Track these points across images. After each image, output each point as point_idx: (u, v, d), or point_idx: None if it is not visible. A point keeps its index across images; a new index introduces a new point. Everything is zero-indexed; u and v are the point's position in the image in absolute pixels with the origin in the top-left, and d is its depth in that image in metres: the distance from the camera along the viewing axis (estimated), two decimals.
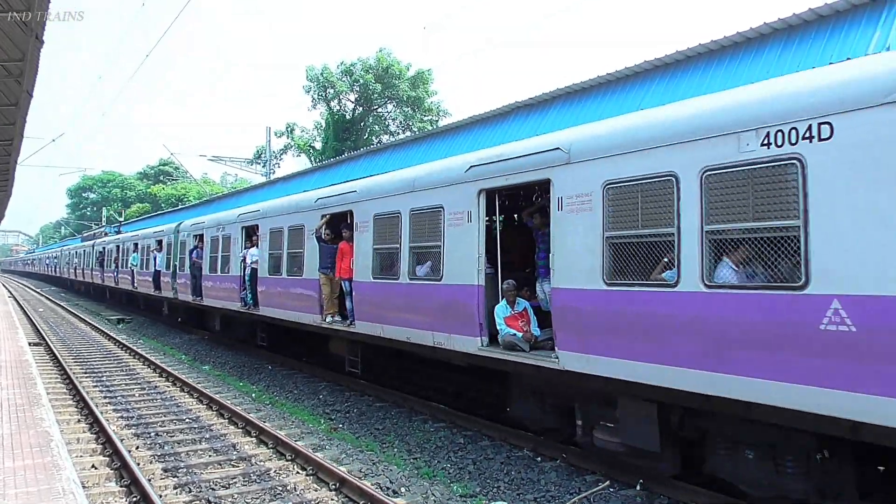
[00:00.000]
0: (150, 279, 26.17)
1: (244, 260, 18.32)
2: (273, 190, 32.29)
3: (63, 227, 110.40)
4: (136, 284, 29.71)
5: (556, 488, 7.79)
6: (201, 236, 20.66)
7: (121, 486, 7.68)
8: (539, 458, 8.86)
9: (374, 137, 50.51)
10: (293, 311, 14.46)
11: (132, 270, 29.99)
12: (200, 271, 20.14)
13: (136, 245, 30.22)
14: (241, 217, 18.15)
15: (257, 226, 16.68)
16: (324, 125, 51.27)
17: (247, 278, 17.08)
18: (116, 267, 33.78)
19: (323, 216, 13.14)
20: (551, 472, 8.29)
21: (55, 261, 65.65)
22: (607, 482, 7.67)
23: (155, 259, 25.57)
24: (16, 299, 40.76)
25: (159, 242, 25.68)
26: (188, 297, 21.54)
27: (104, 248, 38.72)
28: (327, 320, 12.88)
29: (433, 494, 7.57)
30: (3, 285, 58.10)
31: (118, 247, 34.25)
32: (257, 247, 16.68)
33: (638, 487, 7.46)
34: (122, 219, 57.83)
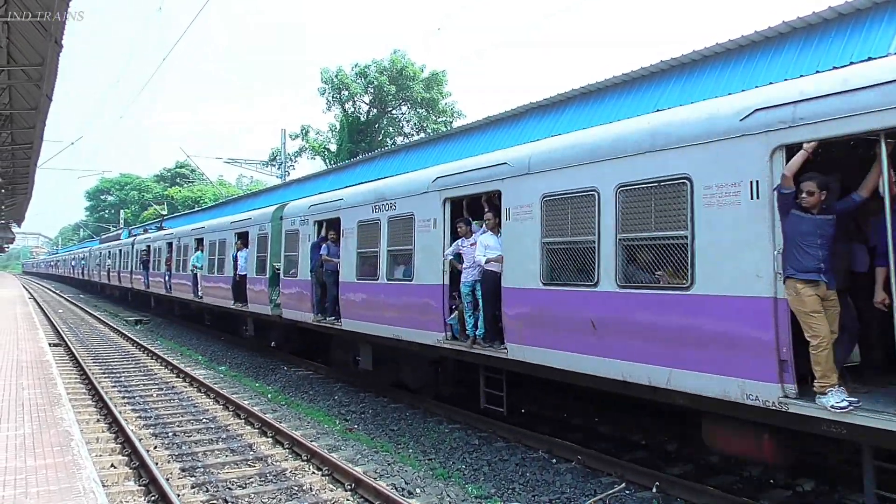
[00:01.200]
0: (228, 287, 19.76)
1: (235, 261, 18.42)
2: (288, 191, 32.47)
3: (82, 230, 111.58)
4: (200, 293, 22.95)
5: (572, 490, 7.76)
6: (329, 223, 14.08)
7: (139, 486, 7.75)
8: (554, 460, 8.84)
9: (388, 139, 50.67)
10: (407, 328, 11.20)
11: (195, 275, 23.28)
12: (335, 276, 13.44)
13: (199, 241, 23.53)
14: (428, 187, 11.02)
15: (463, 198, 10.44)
16: (338, 127, 51.48)
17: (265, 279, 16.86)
18: (168, 270, 27.01)
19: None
20: (566, 474, 8.26)
21: (82, 262, 57.86)
22: (623, 484, 7.63)
23: (235, 260, 19.11)
24: (36, 301, 41.23)
25: (241, 236, 19.45)
26: (301, 315, 15.08)
27: (149, 245, 31.11)
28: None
29: (448, 495, 7.57)
30: (23, 286, 58.84)
31: (171, 244, 27.13)
32: (336, 242, 13.62)
33: (654, 489, 7.42)
34: (163, 213, 51.40)
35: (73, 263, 59.34)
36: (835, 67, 6.46)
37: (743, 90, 6.90)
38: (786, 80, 6.80)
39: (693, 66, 13.57)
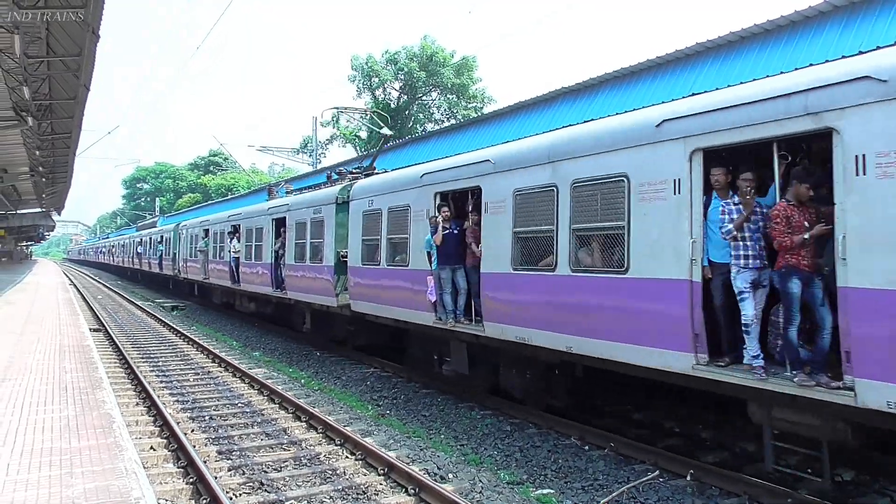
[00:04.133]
0: (324, 277, 15.59)
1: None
2: (319, 179, 32.62)
3: (119, 217, 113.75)
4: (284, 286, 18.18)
5: (605, 477, 7.74)
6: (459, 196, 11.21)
7: (178, 468, 7.93)
8: (587, 447, 8.81)
9: (418, 125, 50.61)
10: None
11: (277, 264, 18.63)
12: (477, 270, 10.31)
13: (280, 222, 18.69)
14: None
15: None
16: (368, 114, 51.54)
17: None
18: (277, 261, 18.92)
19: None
20: (599, 461, 8.24)
21: (141, 248, 45.03)
22: (657, 472, 7.58)
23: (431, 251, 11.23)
24: (76, 287, 42.25)
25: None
26: (408, 313, 12.06)
27: (254, 225, 21.23)
28: None
29: (480, 481, 7.60)
30: (64, 273, 60.32)
31: (283, 219, 18.68)
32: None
33: (688, 477, 7.36)
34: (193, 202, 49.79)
35: (139, 249, 44.41)
36: (879, 47, 6.36)
37: (781, 72, 6.92)
38: (701, 92, 8.12)
39: (730, 48, 13.26)
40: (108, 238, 70.21)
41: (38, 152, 26.42)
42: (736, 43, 13.16)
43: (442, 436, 9.76)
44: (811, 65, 6.96)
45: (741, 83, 7.28)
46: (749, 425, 7.46)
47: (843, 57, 6.55)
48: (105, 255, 60.51)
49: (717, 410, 9.36)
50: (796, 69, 6.94)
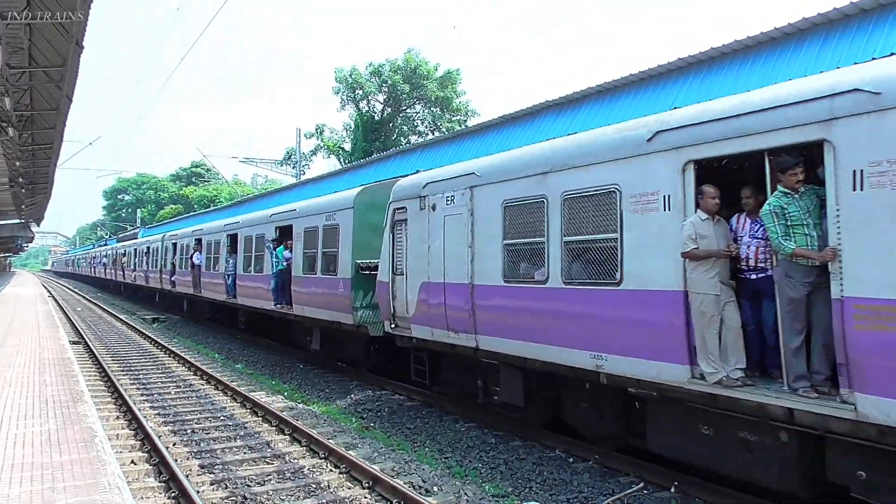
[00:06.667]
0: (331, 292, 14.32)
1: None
2: (304, 190, 32.61)
3: (99, 229, 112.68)
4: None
5: (590, 489, 7.75)
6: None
7: (160, 482, 7.84)
8: (571, 459, 8.83)
9: (402, 138, 50.79)
10: None
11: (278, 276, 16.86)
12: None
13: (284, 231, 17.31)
14: None
15: None
16: (353, 126, 51.66)
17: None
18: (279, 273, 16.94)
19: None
20: (584, 473, 8.26)
21: (143, 258, 37.03)
22: (641, 484, 7.61)
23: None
24: (55, 299, 41.71)
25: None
26: (448, 336, 10.28)
27: (201, 238, 23.85)
28: None
29: (465, 494, 7.59)
30: (42, 285, 59.51)
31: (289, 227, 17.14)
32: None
33: (673, 489, 7.40)
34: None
35: (142, 259, 37.61)
36: (856, 62, 6.48)
37: (762, 87, 6.95)
38: (688, 104, 7.89)
39: (711, 64, 13.45)
40: (106, 245, 63.59)
41: (18, 163, 26.11)
42: (717, 58, 13.37)
43: (427, 448, 9.74)
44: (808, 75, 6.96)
45: (724, 97, 7.35)
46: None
47: (823, 72, 6.65)
48: (107, 267, 53.84)
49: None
50: (790, 80, 6.97)
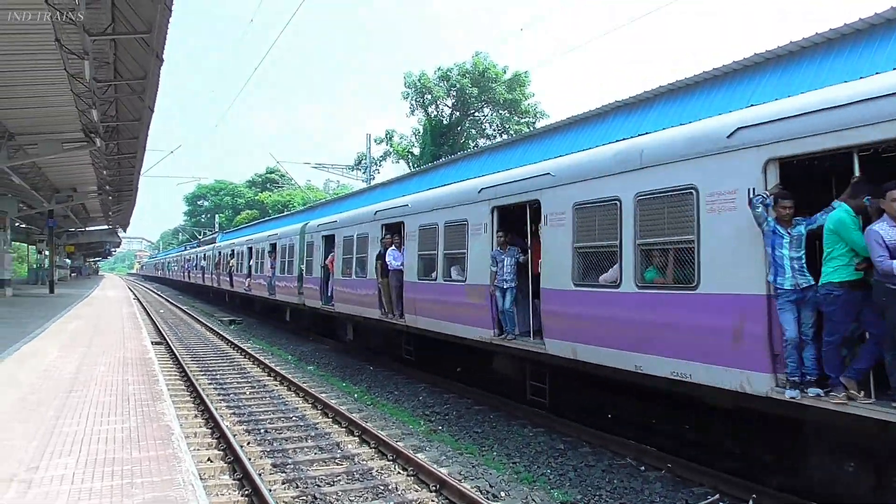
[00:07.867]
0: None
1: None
2: (373, 195, 33.05)
3: (180, 233, 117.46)
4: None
5: (662, 499, 7.52)
6: None
7: (234, 480, 8.06)
8: (643, 468, 8.59)
9: (470, 141, 50.82)
10: None
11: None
12: None
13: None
14: None
15: None
16: (421, 131, 52.08)
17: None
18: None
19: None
20: (656, 483, 8.01)
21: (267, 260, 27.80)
22: (717, 496, 7.34)
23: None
24: (140, 301, 43.68)
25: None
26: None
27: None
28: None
29: (533, 500, 7.49)
30: (128, 288, 62.44)
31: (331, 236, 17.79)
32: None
33: (750, 502, 7.08)
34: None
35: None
36: None
37: (846, 81, 6.59)
38: (776, 99, 7.53)
39: (791, 59, 12.86)
40: (223, 239, 54.68)
41: (105, 172, 27.59)
42: (797, 53, 12.76)
43: (494, 453, 9.67)
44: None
45: (805, 93, 7.00)
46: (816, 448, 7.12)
47: None
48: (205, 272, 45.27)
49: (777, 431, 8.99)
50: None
